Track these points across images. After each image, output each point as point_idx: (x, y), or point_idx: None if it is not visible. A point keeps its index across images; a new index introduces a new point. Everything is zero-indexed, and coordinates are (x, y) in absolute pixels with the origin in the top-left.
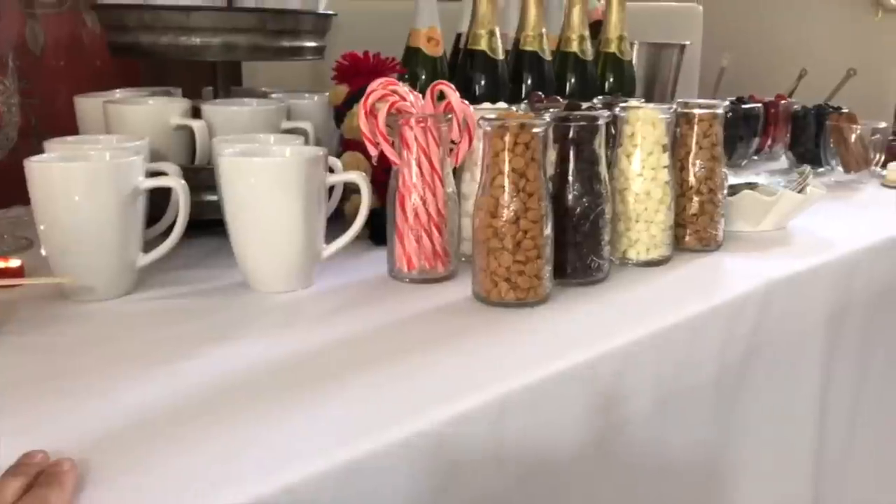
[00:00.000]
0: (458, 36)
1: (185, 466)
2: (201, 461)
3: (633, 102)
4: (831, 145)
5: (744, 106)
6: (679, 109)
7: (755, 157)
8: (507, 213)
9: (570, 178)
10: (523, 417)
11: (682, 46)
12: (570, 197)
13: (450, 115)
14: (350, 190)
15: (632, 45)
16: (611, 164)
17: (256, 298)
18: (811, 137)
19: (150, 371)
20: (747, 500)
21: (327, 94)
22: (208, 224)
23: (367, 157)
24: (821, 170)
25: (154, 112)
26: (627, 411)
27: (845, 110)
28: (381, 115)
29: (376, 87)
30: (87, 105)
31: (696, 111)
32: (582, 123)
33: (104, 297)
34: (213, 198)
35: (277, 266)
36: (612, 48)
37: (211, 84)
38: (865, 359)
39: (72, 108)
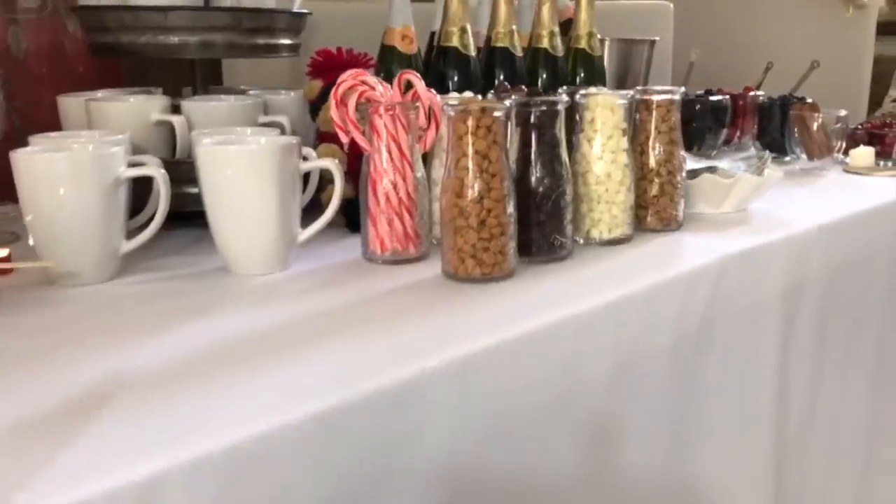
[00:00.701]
0: (432, 35)
1: (162, 420)
2: (177, 416)
3: (592, 90)
4: (795, 134)
5: (712, 98)
6: (638, 96)
7: (724, 148)
8: (471, 193)
9: (533, 161)
10: (486, 380)
11: (653, 42)
12: (532, 179)
13: (417, 104)
14: (326, 180)
15: (603, 41)
16: (573, 149)
17: (236, 281)
18: (777, 127)
19: (129, 341)
20: (710, 469)
21: (303, 90)
22: (189, 216)
23: (342, 148)
24: (787, 158)
25: (135, 108)
26: (587, 375)
27: (809, 100)
28: (351, 104)
29: (346, 77)
30: (70, 104)
31: (655, 97)
32: (542, 108)
33: (89, 282)
34: (194, 190)
35: (255, 249)
36: (583, 44)
37: (190, 84)
38: (824, 333)
39: (55, 111)
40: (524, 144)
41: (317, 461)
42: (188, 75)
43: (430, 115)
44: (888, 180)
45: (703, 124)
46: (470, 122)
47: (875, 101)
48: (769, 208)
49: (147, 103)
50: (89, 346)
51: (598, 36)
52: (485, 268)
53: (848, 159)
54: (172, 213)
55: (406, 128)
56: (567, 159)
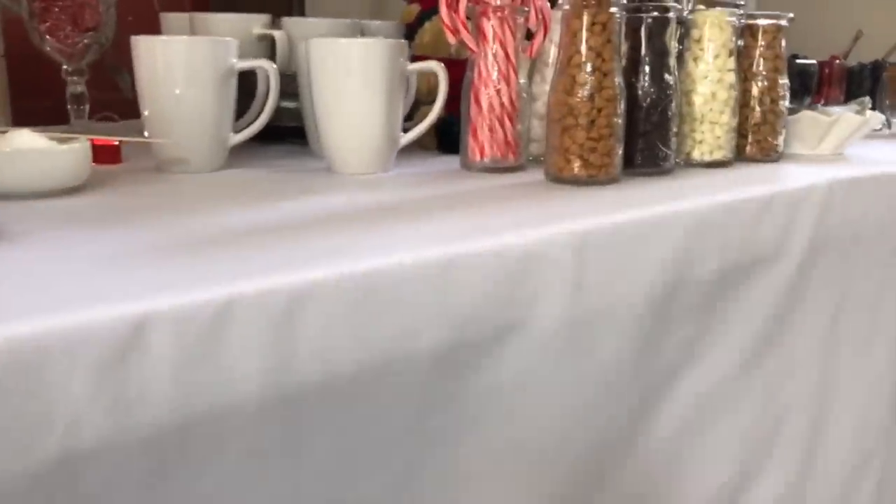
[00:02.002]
0: None
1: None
2: (306, 251)
3: (701, 6)
4: (887, 101)
5: (798, 61)
6: (744, 21)
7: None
8: (582, 92)
9: (641, 69)
10: (600, 259)
11: (738, 6)
12: (640, 87)
13: (527, 8)
14: (421, 103)
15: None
16: (678, 68)
17: (339, 177)
18: (868, 93)
19: (233, 209)
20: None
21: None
22: (285, 133)
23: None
24: (878, 127)
25: (238, 22)
26: (694, 273)
27: None
28: (462, 5)
29: None
30: (173, 21)
31: (761, 22)
32: (654, 14)
33: (198, 170)
34: (292, 104)
35: (359, 147)
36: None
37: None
38: None
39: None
40: (633, 52)
41: (440, 304)
42: (275, 5)
43: (541, 20)
44: None
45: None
46: (585, 18)
47: None
48: (868, 153)
49: (249, 18)
50: (198, 208)
51: None
52: (591, 169)
53: None
54: (269, 129)
55: (514, 32)
56: (676, 70)
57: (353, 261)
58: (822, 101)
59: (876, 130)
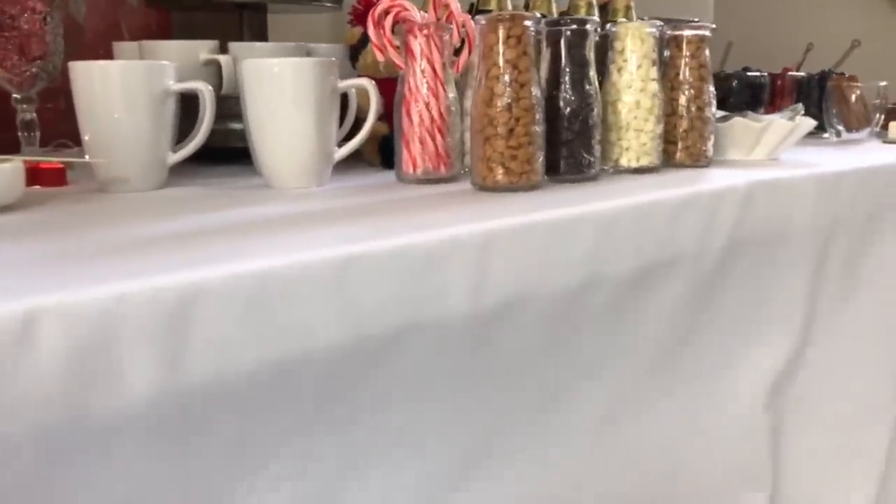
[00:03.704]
0: (472, 5)
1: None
2: (213, 249)
3: (622, 19)
4: (833, 109)
5: (749, 73)
6: (669, 32)
7: None
8: (500, 102)
9: (562, 80)
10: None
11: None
12: (561, 98)
13: (451, 25)
14: (362, 120)
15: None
16: (604, 79)
17: (274, 192)
18: (815, 103)
19: (154, 222)
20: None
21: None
22: (233, 154)
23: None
24: (825, 135)
25: (185, 48)
26: (607, 271)
27: (846, 74)
28: (388, 24)
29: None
30: (124, 49)
31: (685, 33)
32: (572, 27)
33: (137, 189)
34: (239, 126)
35: (293, 163)
36: (620, 17)
37: (237, 39)
38: (853, 276)
39: None
40: (554, 64)
41: (338, 303)
42: (236, 32)
43: (465, 37)
44: None
45: (739, 101)
46: (500, 32)
47: None
48: (802, 159)
49: (196, 44)
50: (134, 219)
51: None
52: (513, 176)
53: (888, 132)
54: (216, 150)
55: (440, 49)
56: (596, 81)
57: (248, 260)
58: (775, 113)
59: (824, 138)
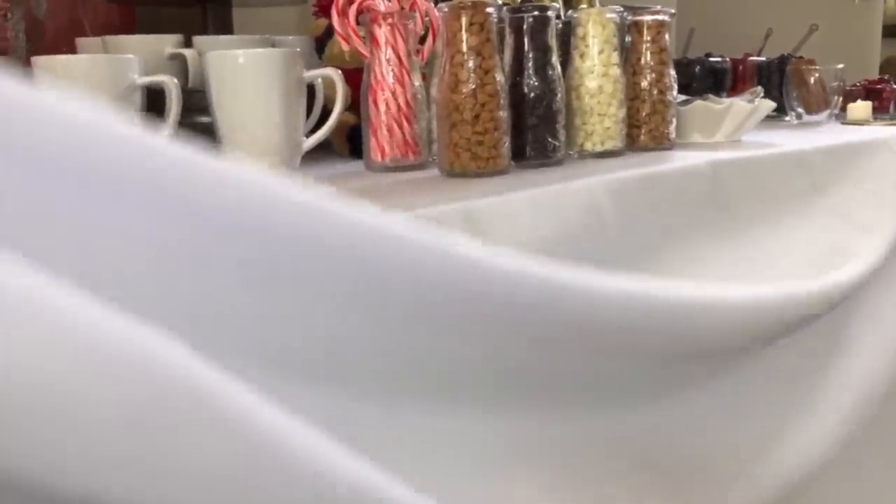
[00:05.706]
0: None
1: None
2: None
3: (584, 6)
4: (793, 93)
5: (711, 59)
6: (630, 18)
7: None
8: (465, 88)
9: (525, 66)
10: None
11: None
12: (525, 84)
13: (414, 13)
14: (328, 110)
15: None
16: (567, 65)
17: None
18: (776, 87)
19: None
20: None
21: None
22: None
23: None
24: (786, 118)
25: (149, 42)
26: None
27: (805, 58)
28: (352, 13)
29: None
30: (89, 45)
31: (646, 18)
32: (534, 13)
33: None
34: (206, 119)
35: (258, 153)
36: (583, 5)
37: (202, 34)
38: None
39: None
40: (517, 51)
41: None
42: (200, 27)
43: (428, 24)
44: (885, 128)
45: (702, 87)
46: (463, 19)
47: None
48: (765, 139)
49: (161, 38)
50: None
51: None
52: (479, 161)
53: (847, 113)
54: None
55: (405, 37)
56: (559, 66)
57: None
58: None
59: (786, 121)
